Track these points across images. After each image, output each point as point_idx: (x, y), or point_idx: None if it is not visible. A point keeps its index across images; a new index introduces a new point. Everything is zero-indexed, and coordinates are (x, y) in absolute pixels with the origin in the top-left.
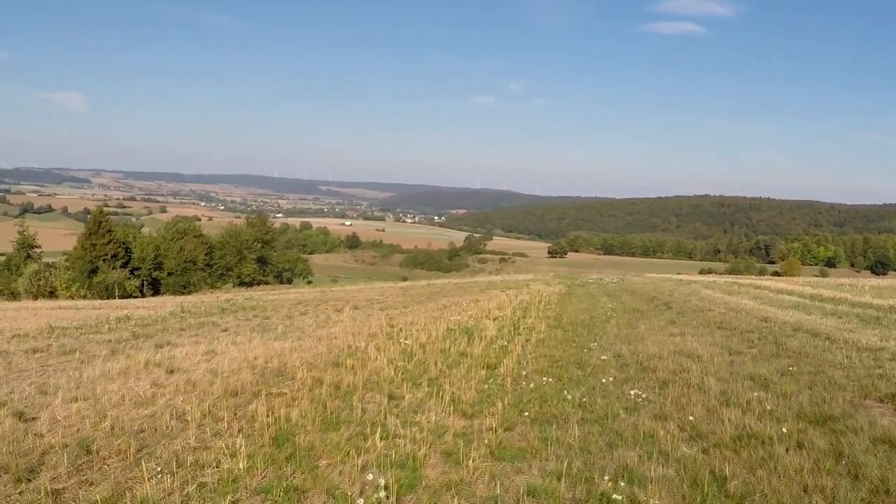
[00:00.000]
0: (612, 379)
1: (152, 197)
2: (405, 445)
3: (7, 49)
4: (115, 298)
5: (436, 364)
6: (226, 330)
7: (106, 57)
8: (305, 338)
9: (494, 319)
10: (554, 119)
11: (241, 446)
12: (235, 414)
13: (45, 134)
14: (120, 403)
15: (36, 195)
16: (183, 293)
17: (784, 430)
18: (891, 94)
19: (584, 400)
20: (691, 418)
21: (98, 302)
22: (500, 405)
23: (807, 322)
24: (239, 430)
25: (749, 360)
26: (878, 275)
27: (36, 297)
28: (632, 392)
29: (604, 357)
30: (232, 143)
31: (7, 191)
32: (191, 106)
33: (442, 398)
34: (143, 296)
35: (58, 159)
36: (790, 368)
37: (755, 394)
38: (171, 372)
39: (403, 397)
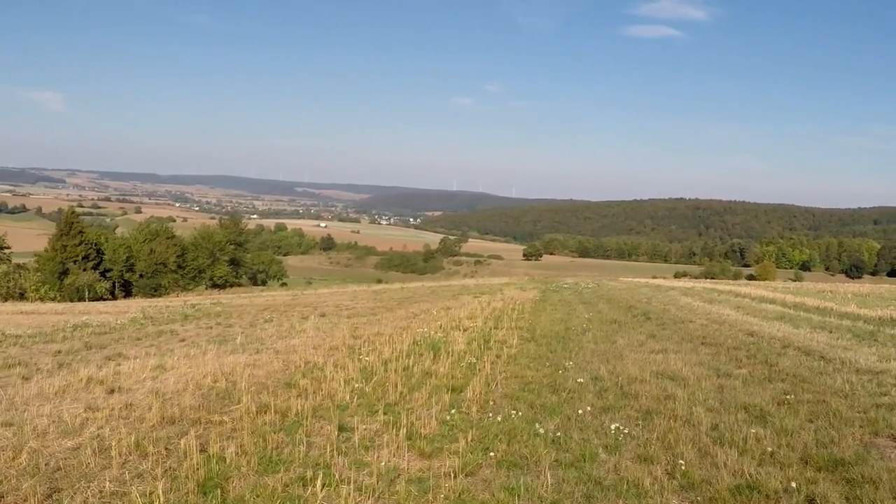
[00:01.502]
0: (589, 408)
1: (127, 197)
2: (349, 495)
3: None
4: (84, 301)
5: (396, 386)
6: (183, 340)
7: (82, 56)
8: (264, 350)
9: (465, 331)
10: (531, 121)
11: (161, 494)
12: (166, 448)
13: (20, 133)
14: (45, 433)
15: (10, 195)
16: (154, 296)
17: (791, 480)
18: (866, 97)
19: (559, 435)
20: (681, 462)
21: (63, 306)
22: (462, 441)
23: (796, 337)
24: (164, 472)
25: (740, 385)
26: (852, 278)
27: (5, 299)
28: (612, 426)
29: (580, 379)
30: (208, 144)
31: None
32: (167, 106)
33: (398, 431)
34: (115, 298)
35: (33, 159)
36: (787, 396)
37: (752, 430)
38: (112, 392)
39: (356, 429)
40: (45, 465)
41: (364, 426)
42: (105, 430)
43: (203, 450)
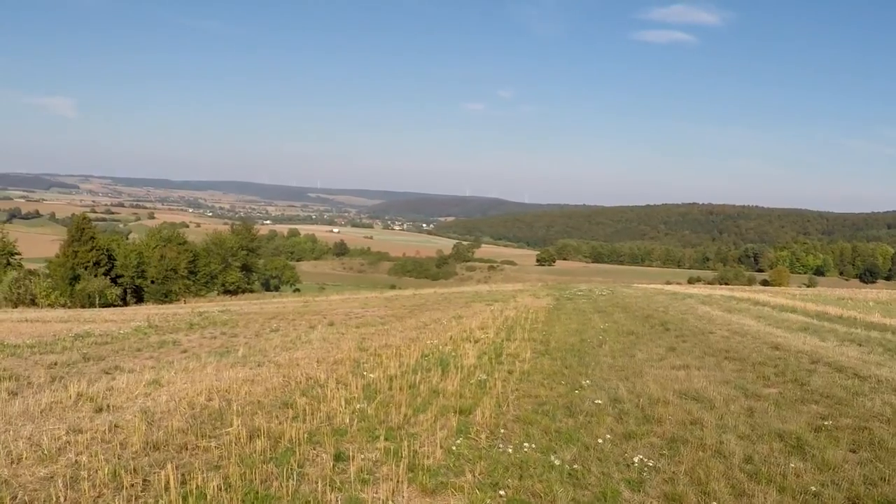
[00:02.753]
0: (608, 435)
1: (140, 203)
2: None
3: None
4: (95, 307)
5: (400, 407)
6: (185, 351)
7: (95, 62)
8: (266, 364)
9: (475, 342)
10: (543, 126)
11: None
12: (144, 480)
13: (33, 139)
14: (20, 458)
15: (24, 201)
16: (164, 302)
17: None
18: (878, 101)
19: (576, 468)
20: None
21: (69, 313)
22: (469, 475)
23: (825, 351)
24: None
25: (771, 408)
26: (866, 283)
27: (16, 305)
28: (635, 458)
29: (598, 400)
30: (221, 150)
31: None
32: (180, 112)
33: (400, 461)
34: (126, 304)
35: (46, 165)
36: (824, 422)
37: (790, 463)
38: (100, 410)
39: (353, 458)
40: (12, 498)
41: (363, 455)
42: (83, 457)
43: (185, 482)
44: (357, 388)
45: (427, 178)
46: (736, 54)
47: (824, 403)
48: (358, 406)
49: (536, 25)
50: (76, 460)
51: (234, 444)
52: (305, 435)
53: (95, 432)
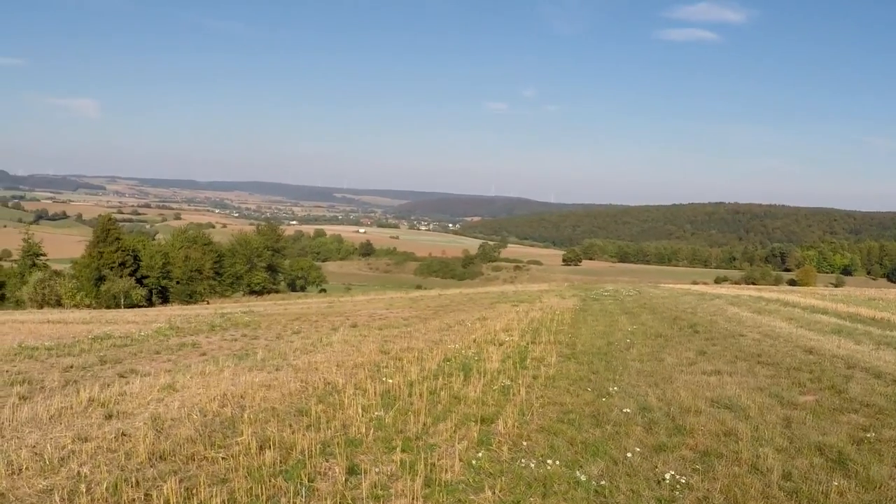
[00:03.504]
0: (638, 448)
1: (167, 204)
2: None
3: (21, 55)
4: (120, 308)
5: (419, 415)
6: (204, 354)
7: (120, 63)
8: (284, 368)
9: (500, 345)
10: (567, 126)
11: None
12: (146, 494)
13: (60, 141)
14: (21, 469)
15: (51, 202)
16: (189, 303)
17: None
18: None
19: (603, 484)
20: None
21: (91, 314)
22: (489, 492)
23: (861, 356)
24: None
25: (809, 418)
26: (894, 282)
27: (41, 306)
28: (666, 473)
29: (627, 409)
30: (247, 150)
31: (22, 197)
32: (206, 113)
33: (416, 476)
34: (152, 304)
35: (73, 166)
36: (866, 434)
37: (833, 481)
38: (110, 417)
39: (367, 472)
40: None
41: (377, 468)
42: (86, 468)
43: (188, 497)
44: (375, 394)
45: (452, 177)
46: (761, 52)
47: (864, 413)
48: (375, 414)
49: (559, 24)
50: (78, 471)
51: (243, 456)
52: (319, 445)
53: (102, 441)
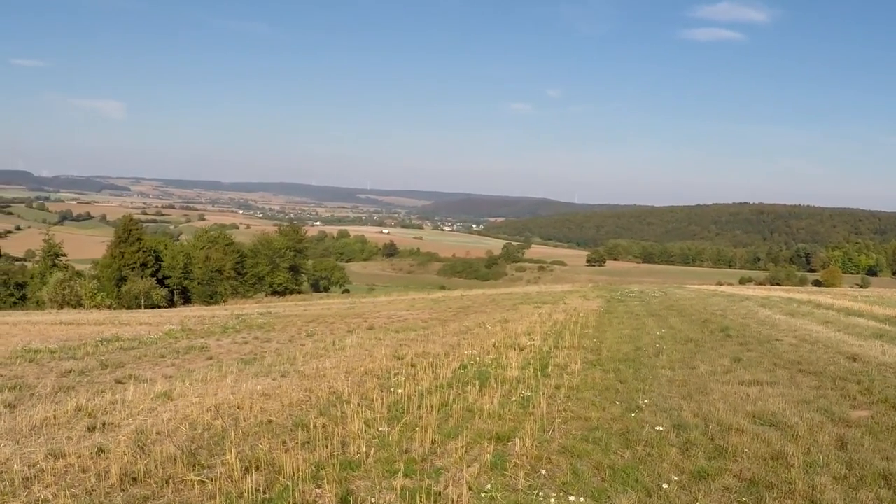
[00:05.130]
0: (674, 475)
1: (191, 205)
2: None
3: (46, 57)
4: (141, 308)
5: (428, 431)
6: (211, 358)
7: (144, 65)
8: (290, 374)
9: (521, 350)
10: (591, 126)
11: None
12: None
13: (84, 142)
14: None
15: (75, 203)
16: (210, 303)
17: None
18: None
19: None
20: None
21: (105, 315)
22: None
23: None
24: None
25: (867, 438)
26: None
27: (61, 307)
28: None
29: (659, 427)
30: (271, 151)
31: (47, 198)
32: (230, 114)
33: None
34: (174, 305)
35: (98, 167)
36: None
37: None
38: (93, 429)
39: (362, 502)
40: None
41: (373, 498)
42: (49, 492)
43: None
44: (382, 406)
45: (476, 178)
46: (785, 51)
47: None
48: (379, 430)
49: (584, 25)
50: (40, 496)
51: (224, 480)
52: (312, 468)
53: (77, 457)
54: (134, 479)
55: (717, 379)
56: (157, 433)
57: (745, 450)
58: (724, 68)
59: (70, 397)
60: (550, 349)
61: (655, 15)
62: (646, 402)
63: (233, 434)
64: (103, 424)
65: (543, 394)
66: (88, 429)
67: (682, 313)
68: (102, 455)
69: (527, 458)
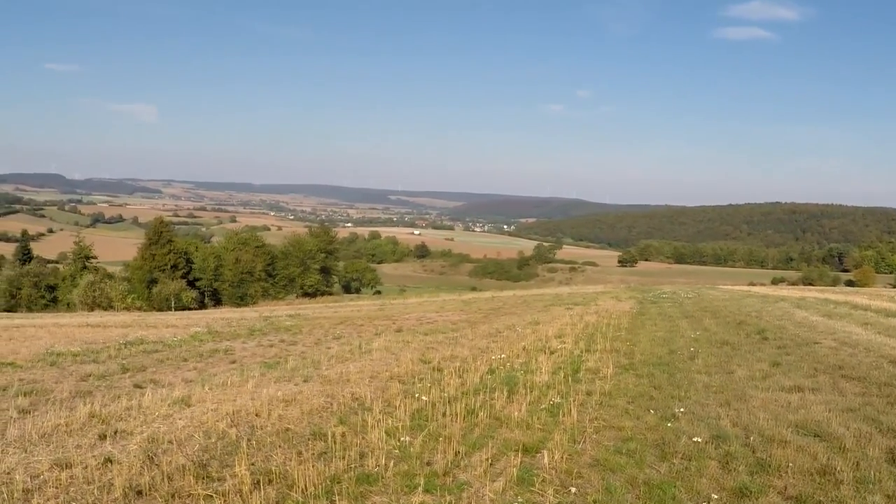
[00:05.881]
0: (715, 494)
1: (222, 207)
2: None
3: (78, 62)
4: (171, 310)
5: (451, 442)
6: (234, 362)
7: (175, 68)
8: (313, 379)
9: (551, 354)
10: (623, 126)
11: None
12: None
13: (116, 145)
14: None
15: (107, 205)
16: (240, 305)
17: None
18: None
19: None
20: None
21: (133, 317)
22: None
23: None
24: None
25: None
26: None
27: (91, 309)
28: None
29: (697, 438)
30: (302, 153)
31: (79, 201)
32: (261, 116)
33: None
34: (205, 307)
35: (129, 170)
36: None
37: None
38: (104, 437)
39: None
40: None
41: None
42: None
43: None
44: (405, 413)
45: (508, 179)
46: (815, 49)
47: None
48: (401, 439)
49: (615, 25)
50: None
51: (232, 494)
52: (326, 482)
53: (84, 468)
54: (139, 493)
55: (755, 385)
56: (169, 442)
57: (790, 464)
58: (755, 67)
59: (85, 403)
60: (582, 352)
61: (686, 15)
62: (682, 410)
63: (244, 445)
64: (115, 432)
65: (574, 401)
66: (100, 437)
67: (716, 315)
68: (110, 465)
69: (556, 471)
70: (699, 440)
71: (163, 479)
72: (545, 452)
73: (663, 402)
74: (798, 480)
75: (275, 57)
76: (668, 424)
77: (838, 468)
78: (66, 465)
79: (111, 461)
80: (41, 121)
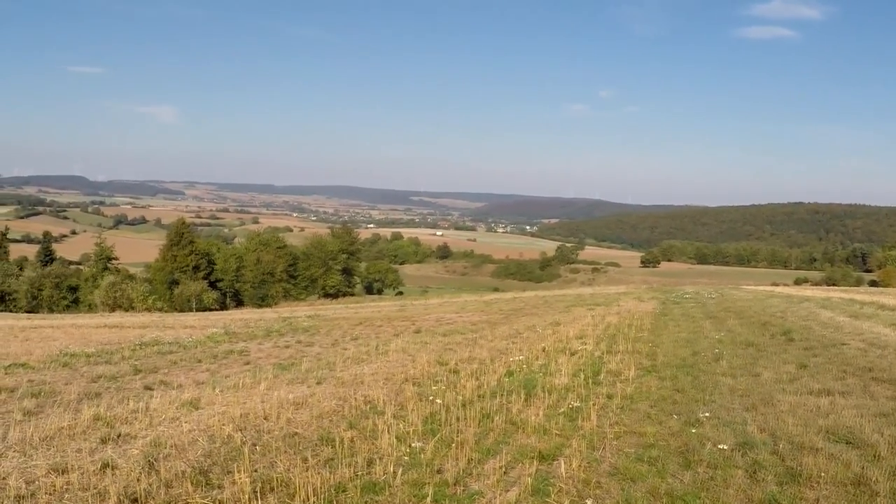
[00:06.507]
0: None
1: (245, 208)
2: None
3: (101, 64)
4: (192, 311)
5: (464, 448)
6: (248, 363)
7: (197, 70)
8: (327, 380)
9: (571, 355)
10: (645, 127)
11: None
12: None
13: (139, 147)
14: None
15: (130, 207)
16: (261, 306)
17: None
18: None
19: None
20: None
21: (152, 318)
22: None
23: None
24: None
25: None
26: None
27: (112, 310)
28: None
29: (723, 445)
30: (324, 155)
31: (102, 203)
32: (283, 118)
33: None
34: (226, 308)
35: (152, 172)
36: None
37: None
38: (106, 441)
39: None
40: None
41: None
42: None
43: None
44: (418, 418)
45: (530, 180)
46: (838, 49)
47: None
48: (412, 445)
49: (637, 25)
50: None
51: (232, 503)
52: (330, 490)
53: (81, 473)
54: (134, 500)
55: (782, 388)
56: (172, 446)
57: (822, 473)
58: (777, 67)
59: (92, 405)
60: (603, 354)
61: (707, 14)
62: (706, 414)
63: (246, 451)
64: (118, 436)
65: (594, 404)
66: (102, 440)
67: (740, 315)
68: (107, 471)
69: (573, 481)
70: (725, 447)
71: (160, 485)
72: (562, 460)
73: (687, 405)
74: (831, 492)
75: (297, 58)
76: (692, 430)
77: (873, 478)
78: (63, 471)
79: (109, 466)
80: (64, 123)
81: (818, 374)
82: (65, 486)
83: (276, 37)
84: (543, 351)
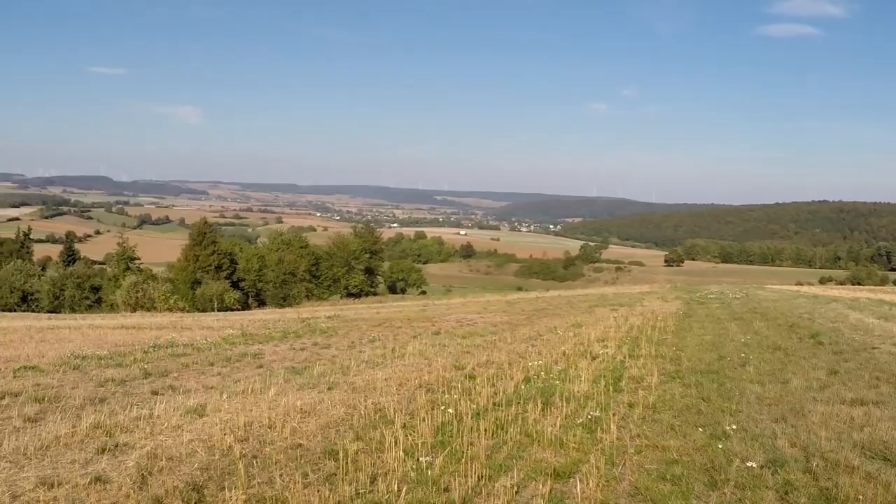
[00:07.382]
0: None
1: (268, 208)
2: None
3: (124, 65)
4: (214, 311)
5: (475, 462)
6: (261, 366)
7: (221, 71)
8: (339, 386)
9: (592, 359)
10: (668, 125)
11: None
12: None
13: (162, 147)
14: None
15: (154, 207)
16: (283, 306)
17: None
18: None
19: None
20: None
21: (171, 318)
22: None
23: None
24: None
25: None
26: None
27: (134, 310)
28: None
29: (751, 462)
30: (348, 154)
31: (126, 203)
32: (307, 117)
33: None
34: (248, 307)
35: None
36: None
37: None
38: (103, 451)
39: None
40: None
41: None
42: None
43: None
44: (428, 428)
45: (553, 179)
46: (861, 46)
47: None
48: (420, 460)
49: (658, 24)
50: None
51: None
52: None
53: (72, 487)
54: None
55: (813, 397)
56: (169, 458)
57: (859, 496)
58: (800, 64)
59: (94, 412)
60: (625, 358)
61: (729, 12)
62: (733, 426)
63: (242, 466)
64: (116, 445)
65: (614, 414)
66: (99, 451)
67: (766, 317)
68: (96, 485)
69: (589, 502)
70: (753, 465)
71: (150, 503)
72: (579, 478)
73: (712, 416)
74: None
75: (320, 58)
76: (719, 444)
77: None
78: (52, 485)
79: (99, 480)
80: (88, 124)
81: (850, 381)
82: (52, 502)
83: (299, 37)
84: (563, 355)
